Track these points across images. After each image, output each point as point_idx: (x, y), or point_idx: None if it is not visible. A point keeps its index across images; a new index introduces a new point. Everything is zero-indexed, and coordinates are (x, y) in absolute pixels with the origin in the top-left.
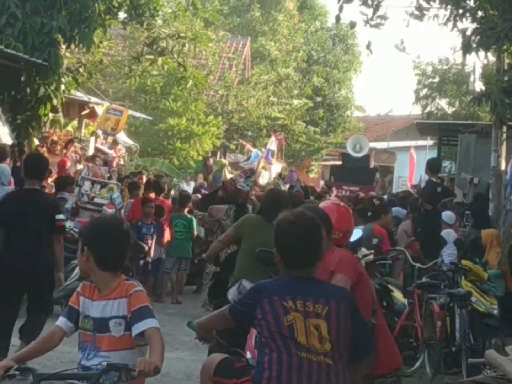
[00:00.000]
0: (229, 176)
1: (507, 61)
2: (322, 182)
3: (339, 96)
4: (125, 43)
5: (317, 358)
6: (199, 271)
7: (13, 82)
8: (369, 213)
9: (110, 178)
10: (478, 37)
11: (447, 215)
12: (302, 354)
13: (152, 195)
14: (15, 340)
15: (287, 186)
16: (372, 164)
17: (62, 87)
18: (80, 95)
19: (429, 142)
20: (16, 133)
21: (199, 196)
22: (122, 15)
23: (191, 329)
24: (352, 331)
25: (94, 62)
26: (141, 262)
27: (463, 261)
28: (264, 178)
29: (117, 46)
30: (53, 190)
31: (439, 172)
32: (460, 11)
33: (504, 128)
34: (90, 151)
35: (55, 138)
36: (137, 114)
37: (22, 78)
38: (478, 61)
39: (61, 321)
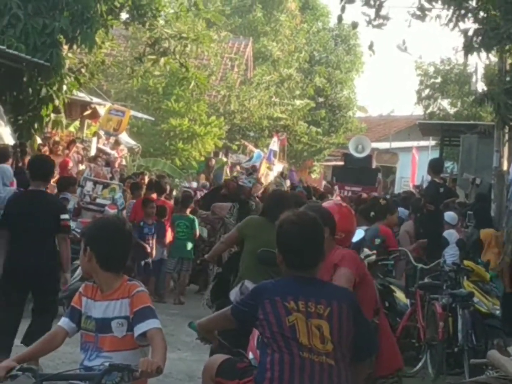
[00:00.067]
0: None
1: (509, 61)
2: (324, 183)
3: (341, 97)
4: (127, 43)
5: (319, 358)
6: (201, 272)
7: (15, 83)
8: (372, 213)
9: (112, 178)
10: (480, 37)
11: (450, 215)
12: (304, 354)
13: (154, 195)
14: (18, 341)
15: (288, 181)
16: (374, 164)
17: (64, 87)
18: (82, 95)
19: (431, 142)
20: (18, 133)
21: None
22: (124, 15)
23: (192, 330)
24: (354, 331)
25: (96, 62)
26: (143, 262)
27: (465, 262)
28: (269, 178)
29: (119, 46)
30: (55, 191)
31: (441, 172)
32: (462, 11)
33: (507, 129)
34: (92, 152)
35: (57, 138)
36: (139, 115)
37: (24, 79)
38: (480, 62)
39: (63, 322)
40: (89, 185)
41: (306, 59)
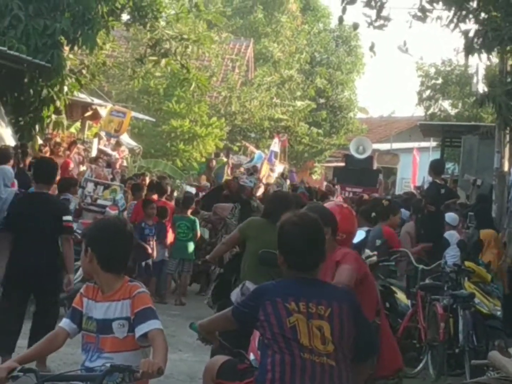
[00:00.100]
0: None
1: (510, 62)
2: (325, 184)
3: (342, 98)
4: (128, 44)
5: (320, 359)
6: (203, 272)
7: (16, 84)
8: (373, 214)
9: (113, 179)
10: (481, 39)
11: (451, 216)
12: (305, 355)
13: (155, 196)
14: (22, 342)
15: (288, 181)
16: (375, 165)
17: (65, 88)
18: (83, 96)
19: (432, 143)
20: (19, 134)
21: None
22: (125, 16)
23: (193, 331)
24: (355, 332)
25: (97, 63)
26: (143, 263)
27: (466, 263)
28: (271, 179)
29: (120, 47)
30: (56, 192)
31: (443, 173)
32: (463, 12)
33: (508, 130)
34: (93, 153)
35: (58, 139)
36: (140, 116)
37: (25, 80)
38: (481, 63)
39: (65, 323)
40: (90, 186)
41: (307, 60)
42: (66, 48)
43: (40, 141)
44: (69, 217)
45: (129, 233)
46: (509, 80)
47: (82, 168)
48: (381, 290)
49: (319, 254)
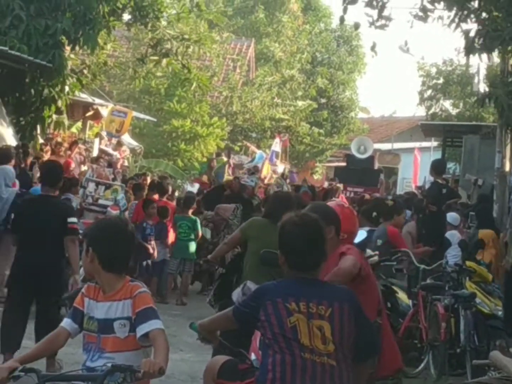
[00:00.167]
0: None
1: (511, 62)
2: (326, 184)
3: (343, 98)
4: (129, 44)
5: (321, 359)
6: (204, 272)
7: (18, 84)
8: (374, 214)
9: (114, 179)
10: (482, 39)
11: (452, 216)
12: (305, 355)
13: (156, 196)
14: (26, 342)
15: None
16: (376, 165)
17: (67, 88)
18: (84, 96)
19: (433, 143)
20: (21, 134)
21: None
22: (126, 16)
23: (193, 331)
24: (356, 332)
25: (99, 63)
26: (145, 263)
27: (468, 263)
28: (273, 180)
29: (121, 47)
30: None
31: (444, 173)
32: (465, 12)
33: (509, 130)
34: (95, 153)
35: (59, 139)
36: (142, 116)
37: (27, 80)
38: (482, 63)
39: (66, 322)
40: (91, 186)
41: (308, 60)
42: (68, 48)
43: (41, 141)
44: (74, 219)
45: (130, 233)
46: (510, 80)
47: (83, 168)
48: (382, 290)
49: (320, 254)
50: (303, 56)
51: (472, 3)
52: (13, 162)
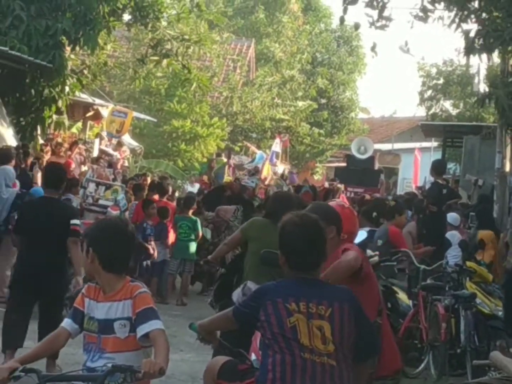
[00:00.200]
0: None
1: (511, 63)
2: (326, 184)
3: (343, 98)
4: (129, 45)
5: (321, 359)
6: (205, 272)
7: (18, 84)
8: (374, 214)
9: (114, 179)
10: (482, 39)
11: (452, 216)
12: (305, 355)
13: (156, 196)
14: (28, 343)
15: (287, 182)
16: (377, 165)
17: (67, 89)
18: (84, 97)
19: (433, 143)
20: (21, 135)
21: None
22: (126, 17)
23: (193, 331)
24: (356, 332)
25: (99, 64)
26: (145, 263)
27: (468, 263)
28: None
29: (122, 48)
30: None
31: (444, 173)
32: (465, 12)
33: (510, 130)
34: (95, 153)
35: (59, 140)
36: (142, 116)
37: (27, 80)
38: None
39: (66, 323)
40: (91, 186)
41: (309, 60)
42: (68, 49)
43: (41, 142)
44: (76, 221)
45: (130, 234)
46: (510, 80)
47: (84, 168)
48: (382, 290)
49: (320, 254)
50: (303, 56)
51: (472, 3)
52: (13, 162)
